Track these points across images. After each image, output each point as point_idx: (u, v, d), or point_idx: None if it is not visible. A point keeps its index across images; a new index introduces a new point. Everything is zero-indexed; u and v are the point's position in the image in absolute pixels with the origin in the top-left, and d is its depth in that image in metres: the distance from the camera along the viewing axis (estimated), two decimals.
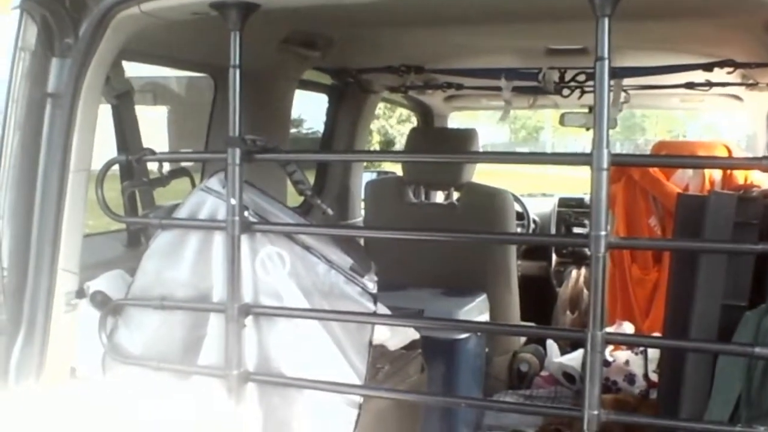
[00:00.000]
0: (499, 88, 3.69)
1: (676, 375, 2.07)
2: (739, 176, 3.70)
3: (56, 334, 1.97)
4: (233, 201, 1.81)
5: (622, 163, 2.61)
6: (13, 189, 1.92)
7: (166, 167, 2.19)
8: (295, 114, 3.59)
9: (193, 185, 2.17)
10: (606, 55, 1.51)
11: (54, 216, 1.95)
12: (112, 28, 1.91)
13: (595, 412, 1.57)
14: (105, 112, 2.31)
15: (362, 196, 4.30)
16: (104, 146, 2.27)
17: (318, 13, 2.46)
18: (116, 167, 2.22)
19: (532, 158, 2.62)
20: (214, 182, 1.97)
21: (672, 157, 3.38)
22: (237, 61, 1.80)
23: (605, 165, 1.52)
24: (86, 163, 2.02)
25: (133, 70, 2.60)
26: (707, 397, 1.93)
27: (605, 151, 1.52)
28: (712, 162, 2.91)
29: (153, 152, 2.07)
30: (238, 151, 1.81)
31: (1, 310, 1.89)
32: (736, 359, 1.78)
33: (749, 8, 1.64)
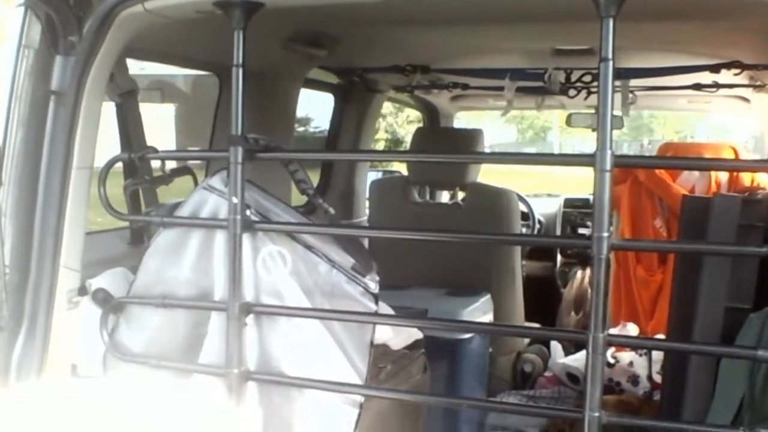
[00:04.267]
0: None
1: (679, 377, 2.06)
2: (746, 178, 3.68)
3: (57, 331, 1.97)
4: (235, 200, 1.81)
5: (625, 165, 2.60)
6: (16, 186, 1.92)
7: (169, 165, 2.19)
8: (301, 112, 3.58)
9: (196, 183, 2.17)
10: (610, 56, 1.51)
11: (56, 213, 1.96)
12: (116, 27, 1.91)
13: (596, 414, 1.56)
14: (109, 110, 2.30)
15: (367, 195, 4.30)
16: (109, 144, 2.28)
17: (323, 11, 2.46)
18: (119, 165, 2.22)
19: (536, 159, 2.59)
20: (216, 181, 1.97)
21: (676, 159, 3.37)
22: (240, 60, 1.80)
23: (608, 166, 1.51)
24: (89, 160, 2.02)
25: (138, 67, 2.60)
26: (710, 400, 1.92)
27: (608, 153, 1.51)
28: (716, 164, 2.89)
29: (156, 150, 2.07)
30: (240, 150, 1.80)
31: (3, 307, 1.89)
32: (740, 362, 1.78)
33: (756, 10, 1.63)
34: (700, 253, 2.02)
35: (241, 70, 1.80)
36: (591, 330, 1.55)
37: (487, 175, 4.06)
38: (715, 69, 3.28)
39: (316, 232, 1.93)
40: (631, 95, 3.73)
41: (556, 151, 30.30)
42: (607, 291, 1.57)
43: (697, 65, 3.32)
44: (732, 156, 3.81)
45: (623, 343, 2.36)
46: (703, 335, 1.97)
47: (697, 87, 3.60)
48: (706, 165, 3.20)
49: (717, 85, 3.54)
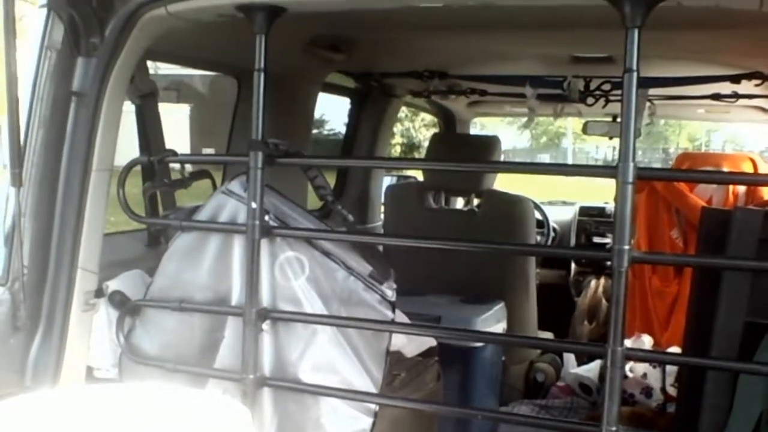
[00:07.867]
0: (522, 95, 3.66)
1: (696, 391, 2.04)
2: (764, 190, 3.66)
3: (74, 332, 1.97)
4: (254, 205, 1.80)
5: (647, 177, 2.57)
6: (36, 186, 1.93)
7: (188, 168, 2.20)
8: (317, 114, 3.58)
9: (215, 187, 2.17)
10: (635, 66, 1.49)
11: (75, 214, 1.96)
12: (138, 29, 1.91)
13: (614, 429, 1.55)
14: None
15: (382, 200, 4.29)
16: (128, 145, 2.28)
17: (343, 16, 2.46)
18: (139, 166, 2.22)
19: (555, 169, 2.54)
20: (235, 185, 1.97)
21: (698, 172, 3.34)
22: (262, 65, 1.79)
23: (630, 179, 1.50)
24: (109, 162, 2.02)
25: (152, 66, 2.60)
26: (727, 415, 1.90)
27: (631, 165, 1.50)
28: (739, 178, 2.87)
29: (175, 153, 2.08)
30: (260, 155, 1.80)
31: (21, 307, 1.90)
32: (759, 378, 1.76)
33: None
34: (720, 267, 2.00)
35: (262, 75, 1.79)
36: (609, 343, 1.54)
37: (503, 179, 4.05)
38: (735, 79, 3.26)
39: (334, 239, 1.93)
40: (650, 104, 3.71)
41: (570, 157, 30.24)
42: (626, 304, 1.55)
43: (717, 75, 3.29)
44: (750, 166, 3.78)
45: (641, 357, 2.34)
46: (721, 350, 1.95)
47: (717, 97, 3.58)
48: (729, 179, 3.18)
49: (737, 96, 3.51)
